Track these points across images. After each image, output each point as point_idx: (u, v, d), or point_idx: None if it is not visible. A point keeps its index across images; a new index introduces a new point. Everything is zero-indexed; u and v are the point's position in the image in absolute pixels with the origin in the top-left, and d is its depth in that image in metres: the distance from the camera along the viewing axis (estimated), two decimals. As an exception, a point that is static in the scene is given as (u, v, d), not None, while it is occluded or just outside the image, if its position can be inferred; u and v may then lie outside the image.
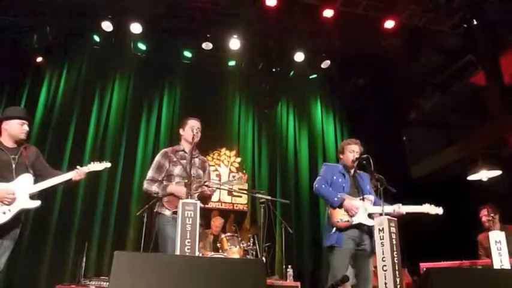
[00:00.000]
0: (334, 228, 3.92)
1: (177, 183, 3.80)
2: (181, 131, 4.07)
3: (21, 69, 7.40)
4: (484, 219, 5.27)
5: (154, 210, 3.88)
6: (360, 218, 3.94)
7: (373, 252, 3.92)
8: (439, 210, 4.20)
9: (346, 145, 4.25)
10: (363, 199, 4.04)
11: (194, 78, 8.38)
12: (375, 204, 4.04)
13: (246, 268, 2.50)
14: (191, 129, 3.93)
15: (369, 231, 3.99)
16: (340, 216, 3.93)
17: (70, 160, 7.09)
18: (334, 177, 4.13)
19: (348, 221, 3.91)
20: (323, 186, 4.07)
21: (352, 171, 4.23)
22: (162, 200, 3.81)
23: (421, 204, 4.17)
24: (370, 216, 3.97)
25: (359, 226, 3.95)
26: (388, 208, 3.95)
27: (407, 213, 4.06)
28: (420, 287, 3.67)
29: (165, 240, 3.62)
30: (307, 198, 8.33)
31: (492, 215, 5.08)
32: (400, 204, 3.96)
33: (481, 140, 7.39)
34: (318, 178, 4.19)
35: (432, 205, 4.17)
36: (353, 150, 4.19)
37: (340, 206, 3.95)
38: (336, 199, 3.95)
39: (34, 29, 7.22)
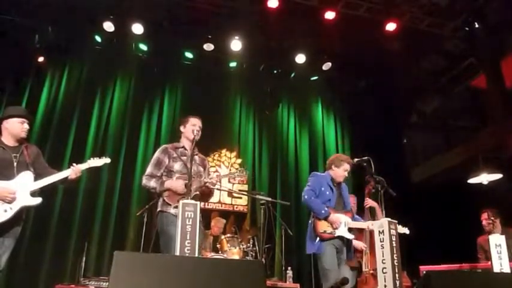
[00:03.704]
0: (318, 238, 4.14)
1: (177, 179, 3.79)
2: (181, 128, 4.07)
3: (23, 69, 7.40)
4: (484, 222, 5.28)
5: (157, 210, 3.82)
6: (342, 231, 4.17)
7: (349, 257, 4.39)
8: (406, 230, 4.35)
9: (344, 162, 4.38)
10: (346, 213, 4.29)
11: (195, 79, 8.39)
12: (354, 219, 4.34)
13: (246, 269, 2.50)
14: (192, 127, 3.94)
15: (347, 243, 4.28)
16: (324, 227, 4.14)
17: (71, 160, 7.02)
18: (322, 189, 4.31)
19: (331, 233, 4.13)
20: (312, 198, 4.24)
21: (338, 183, 4.42)
22: (162, 196, 3.78)
23: None
24: (350, 230, 4.24)
25: (340, 237, 4.19)
26: (362, 224, 4.33)
27: None
28: (420, 290, 3.67)
29: (169, 240, 3.52)
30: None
31: (492, 218, 5.09)
32: (372, 222, 4.04)
33: (481, 143, 7.40)
34: (306, 188, 4.34)
35: (400, 225, 4.23)
36: (346, 170, 4.38)
37: (326, 218, 4.15)
38: (323, 212, 4.15)
39: (36, 29, 7.24)
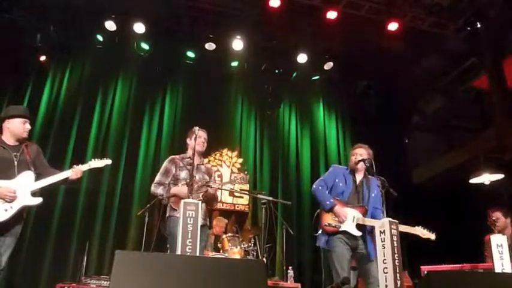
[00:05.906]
0: (321, 230, 4.00)
1: (182, 185, 3.99)
2: (188, 140, 4.27)
3: (25, 68, 7.41)
4: (500, 222, 5.09)
5: (166, 215, 4.04)
6: (347, 226, 3.93)
7: (372, 257, 3.90)
8: (432, 236, 3.97)
9: (353, 151, 4.26)
10: (359, 208, 4.01)
11: (197, 78, 8.38)
12: (371, 216, 3.99)
13: (248, 269, 2.50)
14: (197, 139, 4.09)
15: (363, 237, 3.98)
16: (329, 220, 3.96)
17: (72, 160, 7.06)
18: (336, 180, 4.13)
19: (336, 226, 3.93)
20: (319, 188, 4.10)
21: (359, 176, 4.19)
22: (169, 203, 4.01)
23: (414, 226, 3.98)
24: (360, 226, 3.95)
25: (347, 233, 3.94)
26: (373, 221, 3.86)
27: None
28: (421, 290, 3.66)
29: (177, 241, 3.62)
30: (309, 199, 8.30)
31: (509, 217, 5.05)
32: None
33: (483, 143, 7.38)
34: (319, 179, 4.23)
35: (425, 229, 3.97)
36: (355, 153, 4.18)
37: (331, 210, 3.97)
38: (327, 203, 3.97)
39: (38, 28, 7.24)
